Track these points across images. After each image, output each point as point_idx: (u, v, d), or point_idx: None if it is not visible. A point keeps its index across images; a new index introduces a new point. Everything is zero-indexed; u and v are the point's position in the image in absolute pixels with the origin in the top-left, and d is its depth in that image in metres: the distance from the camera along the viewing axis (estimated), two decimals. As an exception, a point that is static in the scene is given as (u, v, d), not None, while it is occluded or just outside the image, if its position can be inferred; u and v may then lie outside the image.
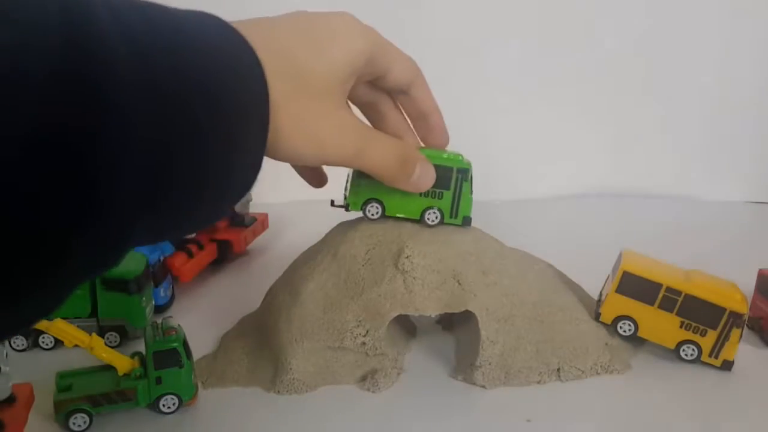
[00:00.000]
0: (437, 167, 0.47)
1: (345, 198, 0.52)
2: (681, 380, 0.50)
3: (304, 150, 0.32)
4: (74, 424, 0.44)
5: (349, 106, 0.36)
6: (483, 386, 0.48)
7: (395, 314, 0.48)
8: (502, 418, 0.46)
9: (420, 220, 0.51)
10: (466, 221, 0.52)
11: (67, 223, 0.19)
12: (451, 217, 0.51)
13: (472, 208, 0.51)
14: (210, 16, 0.26)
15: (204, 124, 0.23)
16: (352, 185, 0.50)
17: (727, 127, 0.99)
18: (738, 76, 0.96)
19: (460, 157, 0.50)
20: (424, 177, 0.42)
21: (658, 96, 0.98)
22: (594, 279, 0.56)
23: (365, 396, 0.48)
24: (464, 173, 0.50)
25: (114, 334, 0.55)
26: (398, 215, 0.51)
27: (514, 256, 0.54)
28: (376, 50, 0.36)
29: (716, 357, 0.50)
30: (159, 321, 0.48)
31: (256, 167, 0.28)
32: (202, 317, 0.60)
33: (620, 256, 0.53)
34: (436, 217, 0.50)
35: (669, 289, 0.50)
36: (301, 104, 0.30)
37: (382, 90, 0.42)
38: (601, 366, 0.50)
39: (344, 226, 0.55)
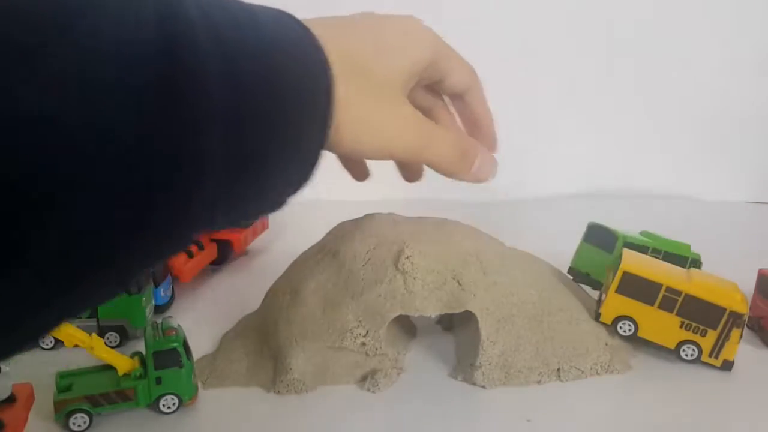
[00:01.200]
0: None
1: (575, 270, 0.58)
2: (681, 380, 0.50)
3: (370, 145, 0.34)
4: (74, 424, 0.44)
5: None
6: (483, 386, 0.48)
7: (395, 314, 0.48)
8: (502, 418, 0.46)
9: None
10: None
11: (160, 223, 0.20)
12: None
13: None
14: (285, 14, 0.28)
15: (274, 122, 0.25)
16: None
17: (727, 127, 0.99)
18: (739, 75, 0.96)
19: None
20: (484, 168, 0.42)
21: (659, 96, 0.98)
22: (594, 279, 0.56)
23: (365, 396, 0.48)
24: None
25: (114, 334, 0.55)
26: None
27: (514, 256, 0.54)
28: (438, 55, 0.37)
29: (716, 357, 0.50)
30: (159, 321, 0.48)
31: (315, 161, 0.29)
32: (202, 317, 0.60)
33: (620, 255, 0.53)
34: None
35: (669, 289, 0.50)
36: (367, 102, 0.32)
37: (437, 94, 0.43)
38: (601, 366, 0.50)
39: (344, 226, 0.55)
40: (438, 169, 0.40)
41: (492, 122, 0.44)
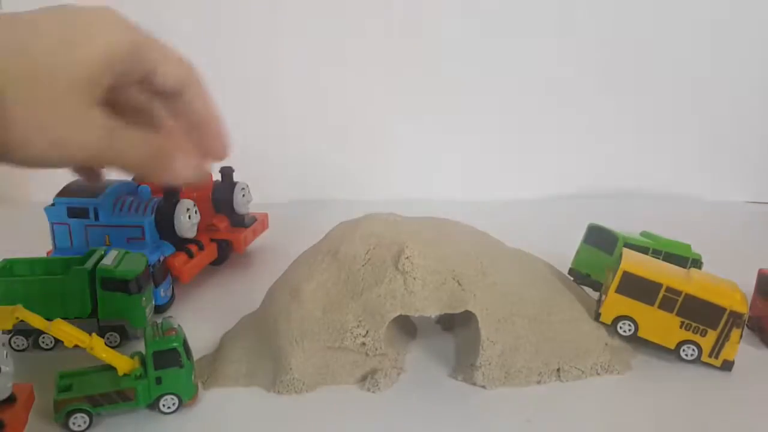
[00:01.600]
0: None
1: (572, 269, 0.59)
2: (681, 380, 0.50)
3: (46, 155, 0.31)
4: (74, 424, 0.44)
5: (100, 106, 0.35)
6: (483, 386, 0.48)
7: (395, 314, 0.48)
8: (502, 418, 0.46)
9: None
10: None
11: None
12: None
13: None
14: None
15: None
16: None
17: (728, 127, 0.99)
18: (739, 76, 0.96)
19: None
20: (184, 169, 0.40)
21: (659, 96, 0.98)
22: (594, 279, 0.56)
23: (365, 396, 0.48)
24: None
25: (114, 334, 0.55)
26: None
27: (514, 256, 0.54)
28: (136, 48, 0.34)
29: (716, 357, 0.50)
30: (159, 321, 0.48)
31: None
32: (202, 317, 0.60)
33: (620, 255, 0.53)
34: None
35: (669, 289, 0.50)
36: (40, 108, 0.30)
37: (156, 94, 0.41)
38: (601, 366, 0.50)
39: (344, 226, 0.55)
40: (128, 171, 0.37)
41: (218, 122, 0.41)
